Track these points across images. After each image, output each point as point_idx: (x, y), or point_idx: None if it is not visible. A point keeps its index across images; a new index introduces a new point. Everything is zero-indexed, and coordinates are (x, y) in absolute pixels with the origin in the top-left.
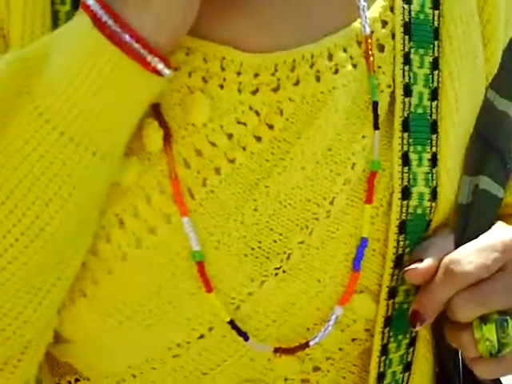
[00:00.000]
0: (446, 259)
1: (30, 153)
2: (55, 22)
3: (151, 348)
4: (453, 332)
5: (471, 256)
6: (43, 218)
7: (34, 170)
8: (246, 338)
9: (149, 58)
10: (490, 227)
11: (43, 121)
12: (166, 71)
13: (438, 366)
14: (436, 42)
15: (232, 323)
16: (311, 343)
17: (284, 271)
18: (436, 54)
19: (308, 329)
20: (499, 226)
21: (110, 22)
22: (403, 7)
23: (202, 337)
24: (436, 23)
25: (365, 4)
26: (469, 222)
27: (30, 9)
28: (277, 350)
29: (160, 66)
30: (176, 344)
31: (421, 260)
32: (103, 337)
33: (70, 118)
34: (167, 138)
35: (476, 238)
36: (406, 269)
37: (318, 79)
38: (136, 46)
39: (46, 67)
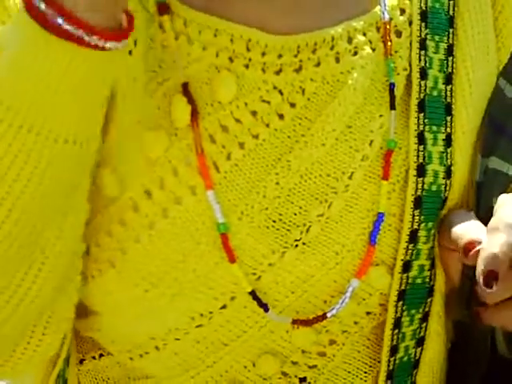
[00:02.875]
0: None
1: None
2: None
3: (175, 318)
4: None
5: None
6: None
7: None
8: (266, 309)
9: (86, 37)
10: None
11: None
12: (109, 45)
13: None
14: (451, 30)
15: (253, 294)
16: (328, 315)
17: (304, 243)
18: (451, 42)
19: (325, 301)
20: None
21: (42, 6)
22: None
23: (224, 307)
24: (451, 12)
25: None
26: (480, 199)
27: None
28: (295, 322)
29: (101, 43)
30: (199, 314)
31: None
32: (129, 307)
33: (24, 110)
34: (194, 114)
35: (487, 214)
36: (471, 253)
37: (337, 60)
38: (69, 27)
39: None
